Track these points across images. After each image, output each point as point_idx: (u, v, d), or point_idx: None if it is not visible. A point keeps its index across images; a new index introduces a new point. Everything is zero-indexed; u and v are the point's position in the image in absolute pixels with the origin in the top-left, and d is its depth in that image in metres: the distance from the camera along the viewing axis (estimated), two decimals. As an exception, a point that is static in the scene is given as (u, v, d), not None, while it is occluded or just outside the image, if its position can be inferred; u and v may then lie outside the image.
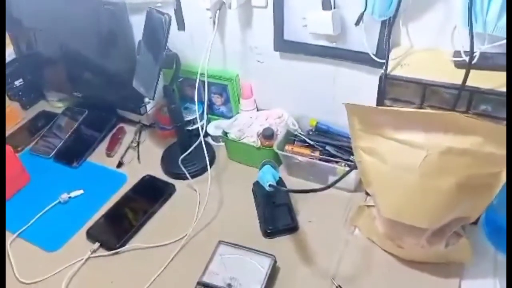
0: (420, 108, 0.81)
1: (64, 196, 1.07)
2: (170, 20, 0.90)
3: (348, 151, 0.98)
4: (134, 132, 1.27)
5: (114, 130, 1.29)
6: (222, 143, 1.17)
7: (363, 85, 0.96)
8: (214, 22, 1.00)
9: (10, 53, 1.36)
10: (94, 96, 1.32)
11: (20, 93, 1.42)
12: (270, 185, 0.80)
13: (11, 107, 1.37)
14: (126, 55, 1.16)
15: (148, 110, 1.26)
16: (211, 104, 1.23)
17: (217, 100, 1.21)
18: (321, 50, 0.95)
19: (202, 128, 1.01)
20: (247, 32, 1.05)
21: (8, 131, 1.34)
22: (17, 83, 1.40)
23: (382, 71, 0.81)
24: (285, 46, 1.00)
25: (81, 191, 1.09)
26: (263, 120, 1.10)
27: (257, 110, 1.17)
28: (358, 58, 0.92)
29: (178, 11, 1.11)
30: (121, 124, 1.31)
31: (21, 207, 1.07)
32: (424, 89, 0.78)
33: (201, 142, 1.02)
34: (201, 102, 1.12)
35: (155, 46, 0.96)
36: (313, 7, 0.89)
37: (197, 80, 0.99)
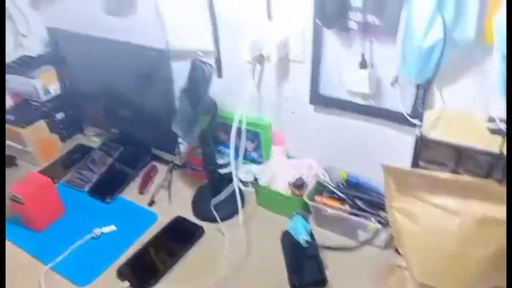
0: (455, 171, 0.81)
1: (97, 231, 1.10)
2: (212, 71, 0.96)
3: (379, 206, 0.99)
4: (166, 171, 1.31)
5: (147, 168, 1.33)
6: (252, 188, 1.19)
7: (395, 143, 0.98)
8: (253, 74, 1.05)
9: (55, 88, 1.44)
10: (130, 134, 1.38)
11: (60, 126, 1.48)
12: (307, 241, 0.81)
13: (51, 139, 1.44)
14: (165, 98, 1.23)
15: (181, 151, 1.31)
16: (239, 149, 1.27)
17: (249, 145, 1.25)
18: (356, 106, 0.98)
19: (235, 173, 1.04)
20: (283, 84, 1.10)
21: (46, 163, 1.40)
22: (58, 116, 1.47)
23: (417, 132, 0.83)
24: (320, 100, 1.04)
25: (113, 227, 1.12)
26: (294, 169, 1.13)
27: (288, 158, 1.20)
28: (392, 117, 0.95)
29: (218, 60, 1.17)
30: (154, 163, 1.35)
31: (55, 238, 1.11)
32: (459, 153, 0.80)
33: (233, 186, 1.05)
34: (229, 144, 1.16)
35: (196, 93, 1.01)
36: (350, 65, 0.93)
37: (234, 128, 1.03)
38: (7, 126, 1.36)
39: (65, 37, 1.38)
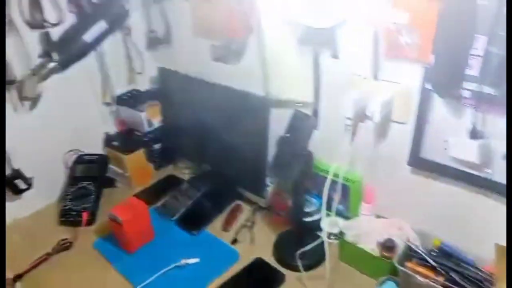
0: None
1: (183, 261, 1.15)
2: (315, 124, 1.00)
3: (476, 282, 0.93)
4: (250, 212, 1.35)
5: (232, 206, 1.38)
6: (334, 241, 1.18)
7: (501, 218, 0.92)
8: (352, 130, 1.06)
9: (158, 121, 1.58)
10: (220, 171, 1.45)
11: (156, 155, 1.61)
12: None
13: (147, 167, 1.56)
14: (259, 142, 1.28)
15: (267, 194, 1.34)
16: (328, 200, 1.27)
17: (337, 197, 1.25)
18: (460, 175, 0.96)
19: (325, 226, 1.04)
20: (381, 142, 1.10)
21: (140, 188, 1.51)
22: (156, 147, 1.60)
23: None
24: (420, 163, 1.03)
25: (197, 260, 1.16)
26: (383, 228, 1.10)
27: (377, 217, 1.18)
28: (500, 190, 0.90)
29: (315, 112, 1.21)
30: (239, 202, 1.40)
31: (143, 261, 1.18)
32: None
33: (320, 237, 1.05)
34: (320, 197, 1.17)
35: (295, 143, 1.05)
36: (458, 133, 0.92)
37: (328, 180, 1.04)
38: (112, 151, 1.51)
39: (173, 76, 1.52)
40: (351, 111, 1.03)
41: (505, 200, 0.91)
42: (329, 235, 1.20)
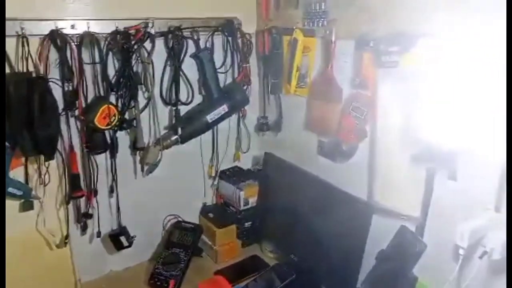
0: None
1: None
2: (424, 249, 0.94)
3: None
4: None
5: (313, 306, 1.33)
6: None
7: None
8: (463, 262, 0.98)
9: (253, 201, 1.63)
10: (306, 266, 1.42)
11: (244, 232, 1.64)
12: None
13: (235, 243, 1.59)
14: (355, 247, 1.24)
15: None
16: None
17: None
18: None
19: None
20: (495, 282, 0.99)
21: (224, 263, 1.53)
22: (246, 225, 1.63)
23: None
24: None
25: None
26: None
27: None
28: None
29: (420, 230, 1.15)
30: (321, 303, 1.34)
31: None
32: None
33: None
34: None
35: (398, 263, 1.00)
36: None
37: None
38: (206, 221, 1.57)
39: (276, 162, 1.59)
40: (466, 241, 0.97)
41: None
42: None
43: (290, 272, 1.43)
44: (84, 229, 1.36)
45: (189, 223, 1.55)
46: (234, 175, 1.65)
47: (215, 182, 1.67)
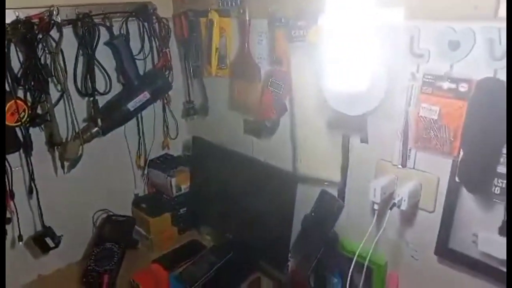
0: None
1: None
2: (342, 208, 1.02)
3: None
4: (270, 287, 1.33)
5: (251, 278, 1.37)
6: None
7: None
8: (379, 216, 1.07)
9: (186, 187, 1.62)
10: (242, 242, 1.45)
11: (180, 219, 1.63)
12: None
13: (171, 231, 1.59)
14: (284, 217, 1.30)
15: (288, 270, 1.33)
16: (351, 282, 1.25)
17: (357, 278, 1.22)
18: (489, 271, 0.94)
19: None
20: (407, 229, 1.10)
21: (161, 252, 1.51)
22: (181, 211, 1.63)
23: None
24: (447, 253, 1.01)
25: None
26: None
27: (401, 305, 1.14)
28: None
29: (341, 192, 1.23)
30: (259, 274, 1.39)
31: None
32: None
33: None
34: (341, 275, 1.16)
35: (321, 224, 1.07)
36: (487, 227, 0.91)
37: (353, 263, 1.04)
38: (138, 213, 1.55)
39: (205, 145, 1.59)
40: (379, 197, 1.06)
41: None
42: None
43: (228, 250, 1.46)
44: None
45: (120, 216, 1.51)
46: (164, 163, 1.63)
47: (145, 172, 1.64)
